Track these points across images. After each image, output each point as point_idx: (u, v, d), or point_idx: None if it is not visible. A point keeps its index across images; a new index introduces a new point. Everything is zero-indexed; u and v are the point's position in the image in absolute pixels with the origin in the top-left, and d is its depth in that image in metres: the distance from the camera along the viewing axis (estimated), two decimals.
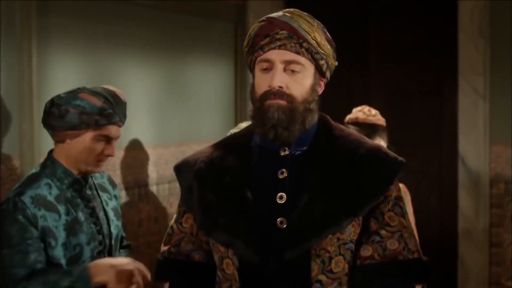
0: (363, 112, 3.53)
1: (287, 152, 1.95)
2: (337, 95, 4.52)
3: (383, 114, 3.58)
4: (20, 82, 3.20)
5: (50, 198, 2.39)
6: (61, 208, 2.40)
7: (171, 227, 2.08)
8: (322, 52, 1.94)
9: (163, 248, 2.08)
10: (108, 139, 2.46)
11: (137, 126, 3.94)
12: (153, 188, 4.19)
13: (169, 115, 4.30)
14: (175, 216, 2.09)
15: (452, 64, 4.70)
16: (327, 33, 1.98)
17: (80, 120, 2.40)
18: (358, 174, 1.91)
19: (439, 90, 4.85)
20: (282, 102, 1.89)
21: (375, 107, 3.62)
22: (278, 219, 1.89)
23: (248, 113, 1.99)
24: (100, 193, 2.59)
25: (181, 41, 4.41)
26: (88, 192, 2.52)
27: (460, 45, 4.62)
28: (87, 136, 2.42)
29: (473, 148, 4.57)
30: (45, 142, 3.27)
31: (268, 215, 1.90)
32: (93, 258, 2.44)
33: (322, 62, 1.95)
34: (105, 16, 3.77)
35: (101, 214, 2.54)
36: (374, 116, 3.52)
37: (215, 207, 1.93)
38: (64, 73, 3.46)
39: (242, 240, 1.88)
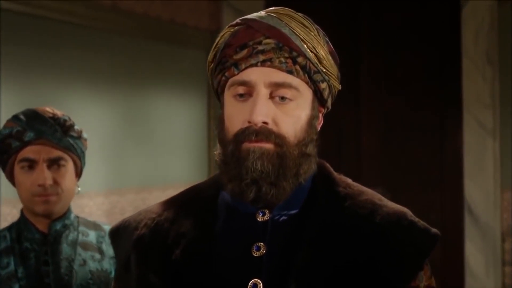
0: None
1: (267, 217, 1.41)
2: (322, 130, 4.19)
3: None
4: None
5: None
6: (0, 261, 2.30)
7: None
8: (324, 70, 1.42)
9: None
10: (32, 164, 2.24)
11: (85, 168, 3.60)
12: None
13: (127, 156, 4.04)
14: None
15: (455, 95, 4.51)
16: (330, 43, 1.46)
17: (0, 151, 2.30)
18: (370, 253, 1.38)
19: (440, 125, 4.64)
20: (268, 146, 1.36)
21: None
22: None
23: (214, 159, 1.45)
24: (80, 250, 2.34)
25: (144, 70, 4.18)
26: (54, 245, 2.30)
27: (464, 73, 4.42)
28: (15, 170, 2.26)
29: (481, 194, 4.32)
30: None
31: None
32: None
33: (323, 85, 1.43)
34: (49, 39, 3.55)
35: (59, 272, 2.28)
36: None
37: None
38: None
39: None
